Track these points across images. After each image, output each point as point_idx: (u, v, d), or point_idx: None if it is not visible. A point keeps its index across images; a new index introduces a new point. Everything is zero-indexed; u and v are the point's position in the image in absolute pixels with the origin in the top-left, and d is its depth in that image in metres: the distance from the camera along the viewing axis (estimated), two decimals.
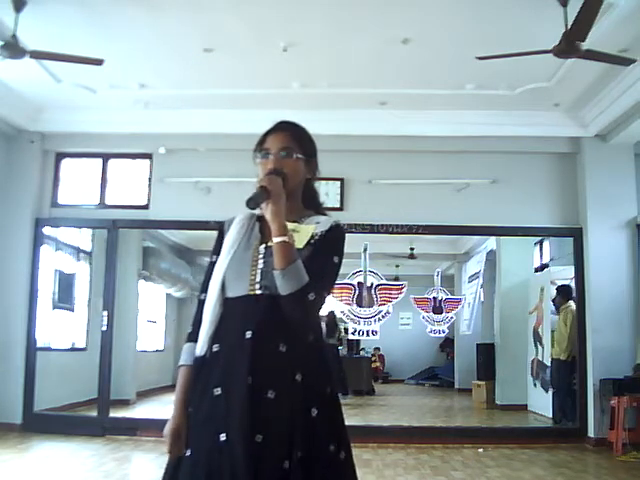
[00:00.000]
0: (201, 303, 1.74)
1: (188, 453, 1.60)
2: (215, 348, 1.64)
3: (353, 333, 9.01)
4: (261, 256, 1.68)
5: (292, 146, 1.72)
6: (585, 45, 4.12)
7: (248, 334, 1.59)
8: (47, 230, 7.01)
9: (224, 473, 1.51)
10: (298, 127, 1.78)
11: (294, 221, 1.69)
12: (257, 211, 1.79)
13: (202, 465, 1.55)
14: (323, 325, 8.04)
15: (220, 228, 1.80)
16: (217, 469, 1.52)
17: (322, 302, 1.63)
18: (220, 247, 1.75)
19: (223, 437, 1.54)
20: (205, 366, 1.65)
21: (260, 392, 1.56)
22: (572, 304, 6.93)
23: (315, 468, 1.55)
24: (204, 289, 1.75)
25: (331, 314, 10.71)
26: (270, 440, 1.53)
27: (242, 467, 1.49)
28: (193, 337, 1.72)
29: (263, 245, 1.70)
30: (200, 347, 1.66)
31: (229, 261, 1.70)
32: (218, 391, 1.59)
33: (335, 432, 1.64)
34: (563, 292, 7.29)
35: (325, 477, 1.57)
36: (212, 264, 1.76)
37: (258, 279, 1.65)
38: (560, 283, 7.62)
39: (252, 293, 1.64)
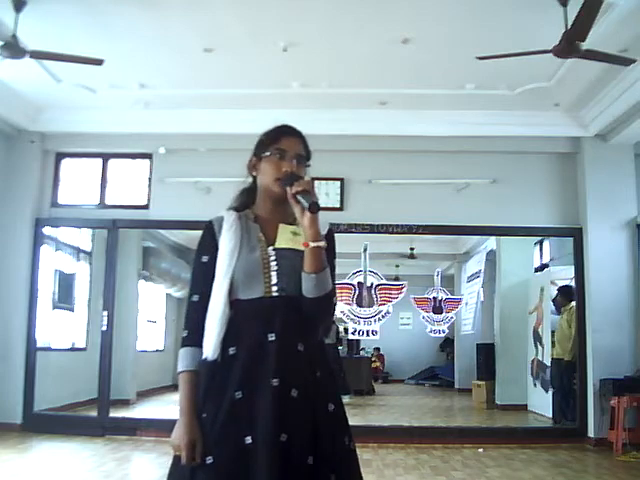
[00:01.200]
0: (194, 304, 1.69)
1: (210, 460, 1.55)
2: (231, 351, 1.61)
3: (353, 333, 9.01)
4: (272, 258, 1.68)
5: (304, 154, 1.77)
6: (585, 45, 4.12)
7: (271, 336, 1.60)
8: (47, 230, 7.01)
9: (251, 476, 1.50)
10: (304, 137, 1.82)
11: (290, 223, 1.73)
12: (243, 211, 1.79)
13: (228, 470, 1.53)
14: None
15: (209, 227, 1.74)
16: (244, 473, 1.51)
17: (336, 304, 1.71)
18: (211, 247, 1.70)
19: (249, 440, 1.53)
20: (219, 370, 1.61)
21: (285, 392, 1.57)
22: (574, 305, 6.90)
23: (335, 461, 1.59)
24: (197, 290, 1.70)
25: None
26: (295, 438, 1.54)
27: (269, 468, 1.50)
28: (191, 341, 1.66)
29: (271, 247, 1.70)
30: (211, 351, 1.62)
31: (235, 263, 1.66)
32: (239, 394, 1.57)
33: (345, 425, 1.69)
34: (565, 293, 7.25)
35: (343, 468, 1.62)
36: (204, 264, 1.70)
37: (274, 281, 1.66)
38: (560, 283, 7.61)
39: (268, 295, 1.65)
